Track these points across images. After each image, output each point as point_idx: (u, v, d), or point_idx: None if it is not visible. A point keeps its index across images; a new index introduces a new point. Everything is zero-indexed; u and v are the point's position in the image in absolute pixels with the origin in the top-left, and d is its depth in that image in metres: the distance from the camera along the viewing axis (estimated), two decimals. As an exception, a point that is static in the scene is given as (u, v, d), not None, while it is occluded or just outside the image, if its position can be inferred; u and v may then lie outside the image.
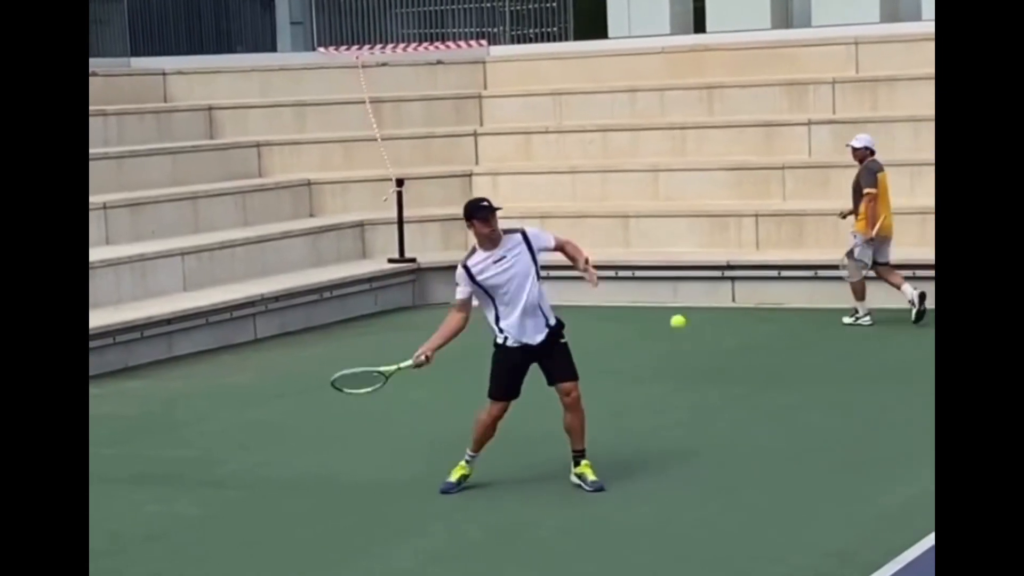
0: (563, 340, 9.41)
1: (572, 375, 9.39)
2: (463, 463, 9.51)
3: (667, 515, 9.00)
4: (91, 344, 13.85)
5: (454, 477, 9.47)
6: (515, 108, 20.25)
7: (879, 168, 14.88)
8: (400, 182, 17.73)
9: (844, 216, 15.35)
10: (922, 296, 14.60)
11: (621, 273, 17.21)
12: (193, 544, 8.76)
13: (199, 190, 17.75)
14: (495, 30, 22.29)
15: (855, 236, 14.91)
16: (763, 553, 8.19)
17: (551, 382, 9.44)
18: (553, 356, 9.33)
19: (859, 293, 14.92)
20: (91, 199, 16.42)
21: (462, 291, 9.24)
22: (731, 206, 17.74)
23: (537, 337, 9.27)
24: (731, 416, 11.66)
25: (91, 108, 18.30)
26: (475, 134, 20.06)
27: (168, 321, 14.77)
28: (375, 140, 19.16)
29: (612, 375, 13.41)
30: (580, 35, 21.84)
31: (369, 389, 9.50)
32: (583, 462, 9.48)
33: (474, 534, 8.76)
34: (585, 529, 8.78)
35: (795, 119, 18.44)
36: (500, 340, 9.31)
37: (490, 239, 9.22)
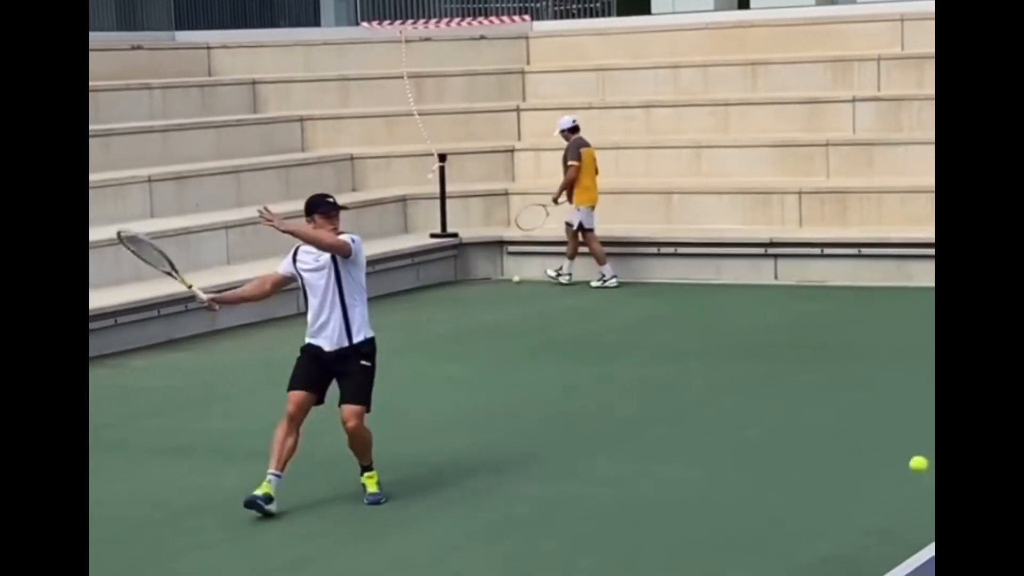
0: (365, 363, 8.89)
1: (357, 399, 8.83)
2: (266, 482, 8.74)
3: (707, 492, 9.01)
4: (136, 317, 14.00)
5: (260, 491, 8.70)
6: (558, 84, 20.23)
7: (584, 144, 16.76)
8: (443, 157, 17.76)
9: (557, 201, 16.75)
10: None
11: (663, 250, 17.22)
12: (239, 515, 8.82)
13: (243, 164, 17.82)
14: (538, 5, 22.26)
15: (578, 210, 16.69)
16: (804, 530, 8.19)
17: (340, 402, 8.92)
18: (348, 374, 8.83)
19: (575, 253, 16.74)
20: (136, 172, 16.59)
21: (282, 267, 8.99)
22: (774, 183, 17.69)
23: (328, 346, 8.79)
24: (772, 393, 11.65)
25: (136, 82, 18.45)
26: (517, 110, 20.05)
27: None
28: (414, 115, 19.18)
29: (650, 350, 13.45)
30: (623, 11, 21.79)
31: (153, 268, 9.53)
32: (367, 474, 8.98)
33: (521, 508, 8.79)
34: (627, 504, 8.80)
35: (839, 96, 18.35)
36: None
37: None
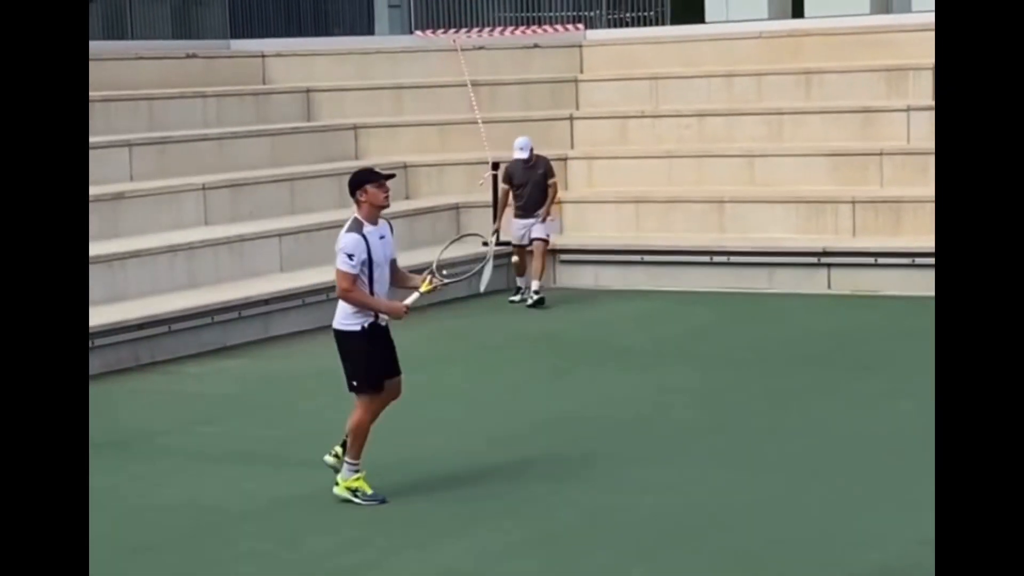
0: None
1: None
2: (358, 476, 9.03)
3: (761, 500, 8.98)
4: (190, 324, 14.08)
5: (368, 488, 9.02)
6: (611, 92, 20.22)
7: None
8: (495, 165, 17.79)
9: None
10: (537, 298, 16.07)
11: (716, 258, 17.19)
12: (291, 523, 8.87)
13: (297, 172, 17.91)
14: (592, 14, 22.27)
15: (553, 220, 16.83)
16: (858, 539, 8.15)
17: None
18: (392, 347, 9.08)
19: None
20: (191, 180, 16.70)
21: (355, 265, 8.82)
22: (828, 192, 17.62)
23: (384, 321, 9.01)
24: (825, 402, 11.60)
25: (191, 90, 18.59)
26: (571, 118, 20.06)
27: (266, 302, 14.94)
28: (471, 123, 19.23)
29: (703, 359, 13.41)
30: (677, 19, 21.78)
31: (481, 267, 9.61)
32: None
33: (572, 517, 8.78)
34: (679, 513, 8.79)
35: (894, 105, 18.26)
36: (359, 327, 8.96)
37: (381, 210, 8.95)
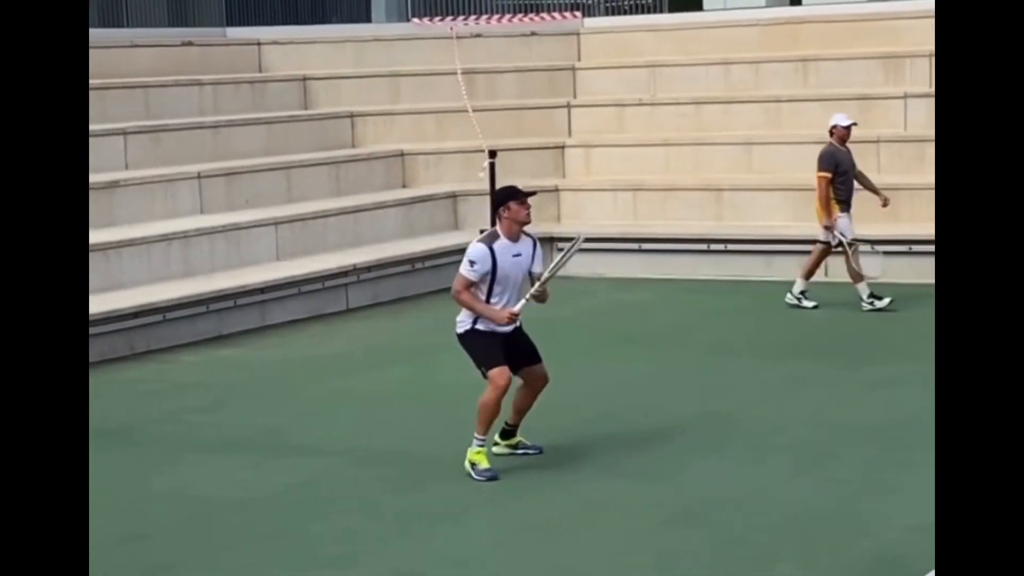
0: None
1: (539, 357, 9.51)
2: (480, 448, 9.34)
3: (757, 489, 8.95)
4: (185, 312, 14.04)
5: (485, 463, 9.31)
6: (609, 80, 20.17)
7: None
8: (493, 154, 17.73)
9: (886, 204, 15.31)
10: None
11: (713, 246, 17.15)
12: (284, 511, 8.84)
13: (293, 160, 17.86)
14: (589, 2, 22.21)
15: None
16: (850, 527, 8.12)
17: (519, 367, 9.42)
18: (521, 343, 9.45)
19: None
20: (186, 168, 16.65)
21: (474, 274, 9.21)
22: (825, 180, 17.54)
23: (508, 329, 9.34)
24: (821, 391, 11.57)
25: (187, 78, 18.53)
26: (568, 106, 20.01)
27: (261, 290, 14.90)
28: (468, 112, 19.18)
29: (702, 347, 13.39)
30: (675, 7, 21.70)
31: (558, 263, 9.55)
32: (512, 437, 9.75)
33: (569, 505, 8.76)
34: (676, 501, 8.76)
35: (891, 92, 18.21)
36: (469, 327, 9.31)
37: (523, 226, 9.33)
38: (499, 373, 9.18)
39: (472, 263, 9.17)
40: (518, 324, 9.35)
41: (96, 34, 18.99)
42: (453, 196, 18.41)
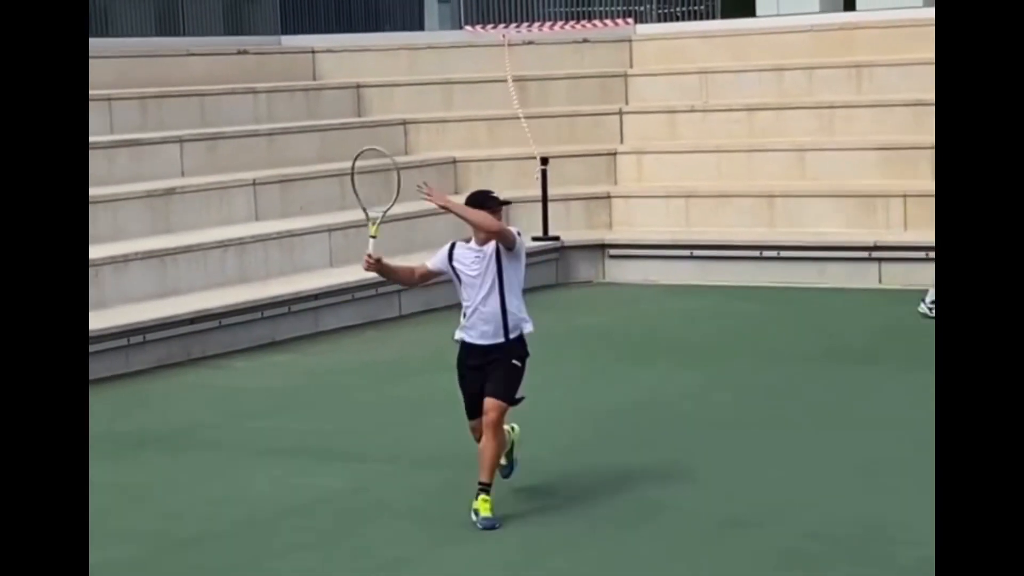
0: (516, 362, 8.64)
1: (499, 393, 8.50)
2: (485, 497, 8.47)
3: (804, 495, 8.94)
4: (240, 318, 14.16)
5: (488, 512, 8.45)
6: (661, 87, 20.17)
7: None
8: (545, 161, 17.77)
9: None
10: None
11: (766, 253, 17.12)
12: (336, 517, 8.91)
13: (346, 167, 17.71)
14: (641, 8, 22.22)
15: None
16: (901, 535, 8.11)
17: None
18: (496, 369, 8.56)
19: None
20: (241, 175, 16.78)
21: (434, 262, 8.72)
22: (879, 186, 17.50)
23: (483, 340, 8.57)
24: (873, 398, 11.53)
25: (242, 86, 18.67)
26: (620, 113, 20.02)
27: (315, 296, 14.99)
28: (519, 119, 19.23)
29: (753, 355, 13.36)
30: (727, 13, 21.68)
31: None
32: (482, 496, 8.47)
33: (619, 511, 8.77)
34: (728, 508, 8.76)
35: (946, 98, 18.08)
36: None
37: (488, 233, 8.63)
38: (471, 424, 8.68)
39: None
40: (502, 341, 8.56)
41: (153, 43, 19.26)
42: (505, 203, 18.39)
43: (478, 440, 8.67)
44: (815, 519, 8.52)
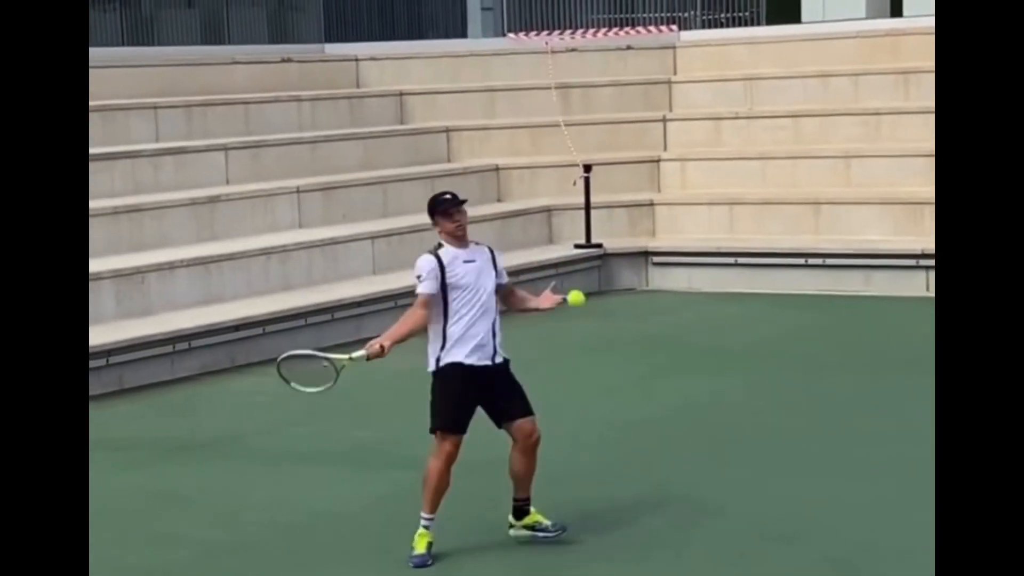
0: (513, 375, 8.22)
1: (531, 409, 8.06)
2: (423, 530, 8.08)
3: (852, 505, 8.87)
4: (284, 326, 14.17)
5: (422, 548, 8.05)
6: (705, 93, 20.10)
7: None
8: (588, 168, 17.74)
9: None
10: None
11: (811, 261, 17.02)
12: (381, 523, 8.89)
13: (389, 175, 17.98)
14: (685, 15, 22.16)
15: None
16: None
17: (502, 420, 8.12)
18: (507, 387, 8.11)
19: None
20: (285, 183, 16.82)
21: (425, 288, 7.96)
22: (926, 193, 17.35)
23: (487, 361, 8.05)
24: (920, 407, 11.42)
25: (286, 94, 18.73)
26: (664, 120, 19.96)
27: (358, 304, 15.00)
28: (561, 126, 19.20)
29: (798, 363, 13.29)
30: (772, 19, 21.59)
31: (319, 389, 8.40)
32: (533, 512, 8.22)
33: (663, 521, 8.72)
34: (772, 518, 8.70)
35: (993, 105, 17.96)
36: (434, 366, 8.17)
37: (455, 236, 8.10)
38: (447, 437, 8.06)
39: (419, 277, 7.98)
40: (499, 362, 8.08)
41: (198, 51, 19.35)
42: (548, 210, 18.43)
43: (451, 456, 8.12)
44: (858, 529, 8.45)
